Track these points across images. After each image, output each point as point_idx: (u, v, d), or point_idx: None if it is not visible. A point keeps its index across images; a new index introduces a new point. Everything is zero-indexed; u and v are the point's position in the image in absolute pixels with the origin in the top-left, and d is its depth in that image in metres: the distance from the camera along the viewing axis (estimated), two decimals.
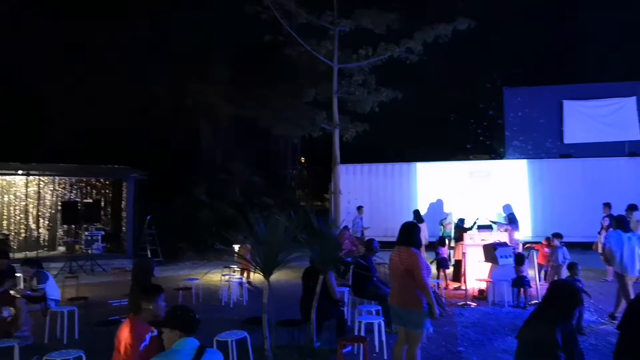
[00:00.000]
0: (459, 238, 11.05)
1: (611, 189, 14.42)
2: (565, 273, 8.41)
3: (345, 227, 11.28)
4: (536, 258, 9.66)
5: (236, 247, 10.35)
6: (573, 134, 17.82)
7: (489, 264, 9.11)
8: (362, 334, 6.13)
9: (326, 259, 5.98)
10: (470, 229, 11.39)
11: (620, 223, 7.81)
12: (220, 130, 19.96)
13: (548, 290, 3.43)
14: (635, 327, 3.54)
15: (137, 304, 3.82)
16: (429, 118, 20.34)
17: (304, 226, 5.77)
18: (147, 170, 15.00)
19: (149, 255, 13.81)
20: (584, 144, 17.46)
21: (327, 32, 15.00)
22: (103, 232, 15.01)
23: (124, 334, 3.64)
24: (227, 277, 9.77)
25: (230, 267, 10.60)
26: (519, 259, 8.83)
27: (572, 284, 3.84)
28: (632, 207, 10.77)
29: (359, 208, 14.44)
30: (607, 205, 11.42)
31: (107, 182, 16.56)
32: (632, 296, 6.23)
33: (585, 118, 17.66)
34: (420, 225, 12.03)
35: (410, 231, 4.94)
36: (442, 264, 10.58)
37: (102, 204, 16.39)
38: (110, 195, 16.67)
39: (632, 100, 17.41)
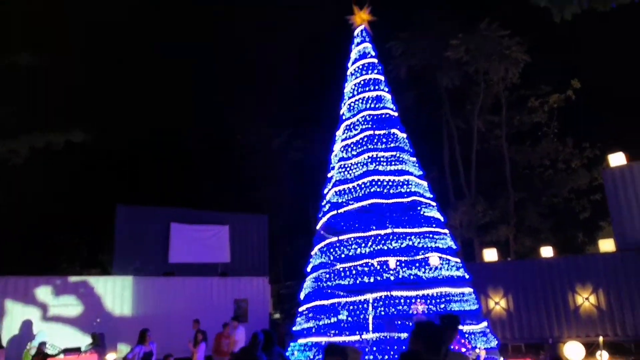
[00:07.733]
0: None
1: (206, 304, 16.33)
2: None
3: None
4: None
5: None
6: (177, 254, 19.42)
7: None
8: None
9: None
10: (56, 354, 10.49)
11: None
12: None
13: None
14: None
15: None
16: (31, 229, 18.48)
17: None
18: None
19: None
20: (186, 264, 19.21)
21: None
22: None
23: None
24: None
25: None
26: None
27: None
28: (235, 318, 12.83)
29: None
30: (196, 321, 12.69)
31: None
32: None
33: (188, 240, 19.67)
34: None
35: None
36: None
37: None
38: None
39: (226, 228, 20.69)
